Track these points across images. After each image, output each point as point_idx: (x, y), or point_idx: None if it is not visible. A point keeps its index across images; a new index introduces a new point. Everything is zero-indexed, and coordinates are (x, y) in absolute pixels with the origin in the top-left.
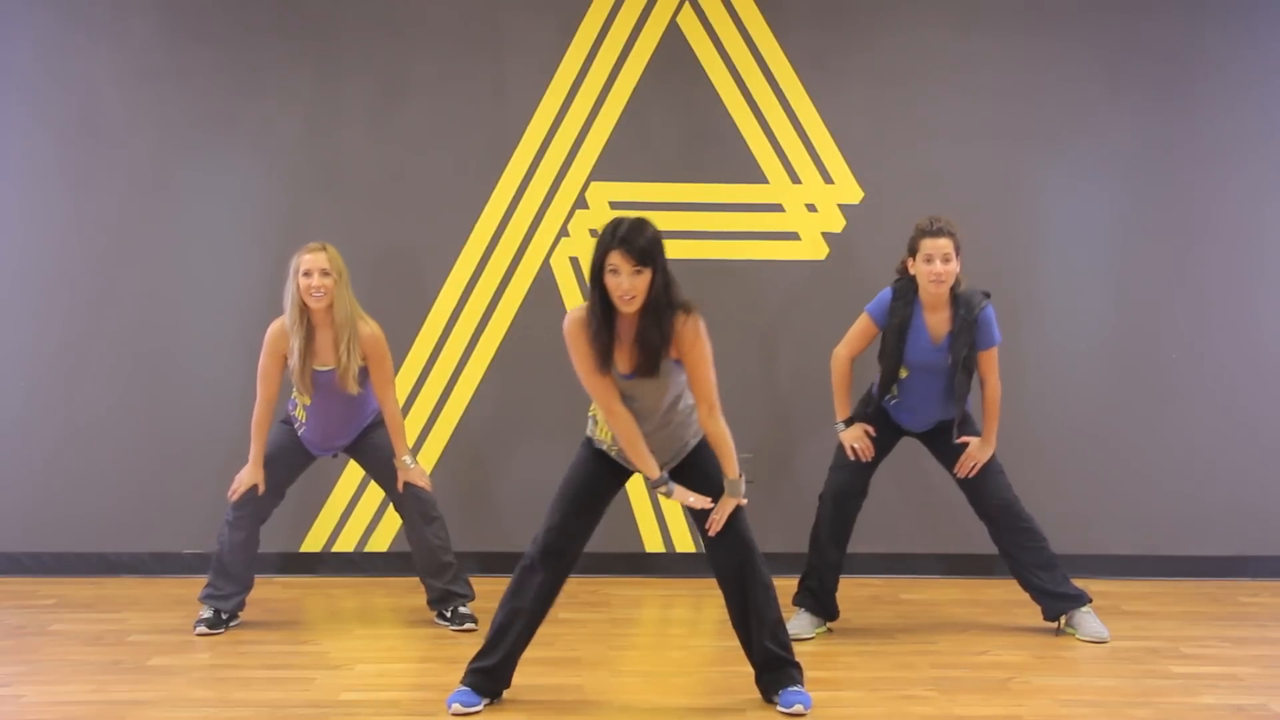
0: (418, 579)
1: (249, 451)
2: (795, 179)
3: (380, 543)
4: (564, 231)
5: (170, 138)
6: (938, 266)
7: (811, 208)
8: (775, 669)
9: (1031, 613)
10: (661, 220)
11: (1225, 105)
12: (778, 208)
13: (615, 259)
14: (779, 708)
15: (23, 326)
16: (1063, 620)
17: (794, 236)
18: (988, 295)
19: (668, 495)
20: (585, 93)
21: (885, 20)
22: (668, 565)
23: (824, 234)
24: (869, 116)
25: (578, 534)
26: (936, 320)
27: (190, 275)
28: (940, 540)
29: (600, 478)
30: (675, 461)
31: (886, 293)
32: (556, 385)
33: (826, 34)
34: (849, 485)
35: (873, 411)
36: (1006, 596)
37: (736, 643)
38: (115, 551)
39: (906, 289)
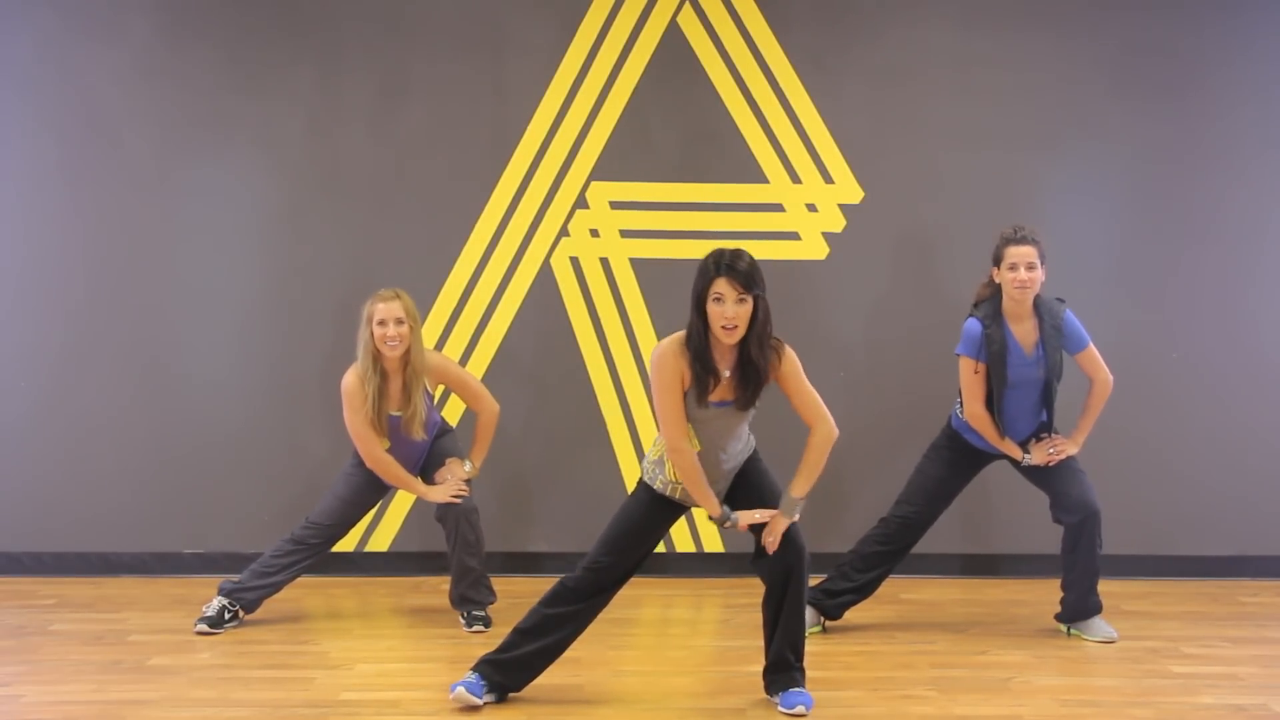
0: (418, 578)
1: (415, 489)
2: (795, 179)
3: (380, 542)
4: (564, 231)
5: (171, 137)
6: (1022, 274)
7: (812, 208)
8: (782, 670)
9: (1032, 613)
10: (661, 220)
11: (1227, 106)
12: (778, 208)
13: (721, 286)
14: (780, 708)
15: (23, 326)
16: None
17: (794, 236)
18: (1063, 301)
19: (732, 527)
20: (585, 93)
21: (886, 19)
22: (668, 565)
23: (824, 234)
24: (869, 116)
25: (626, 574)
26: (1023, 331)
27: (191, 275)
28: (941, 540)
29: (657, 523)
30: (728, 485)
31: (973, 325)
32: (557, 385)
33: (827, 33)
34: (918, 518)
35: (952, 445)
36: (1006, 596)
37: (737, 643)
38: (116, 551)
39: (993, 311)
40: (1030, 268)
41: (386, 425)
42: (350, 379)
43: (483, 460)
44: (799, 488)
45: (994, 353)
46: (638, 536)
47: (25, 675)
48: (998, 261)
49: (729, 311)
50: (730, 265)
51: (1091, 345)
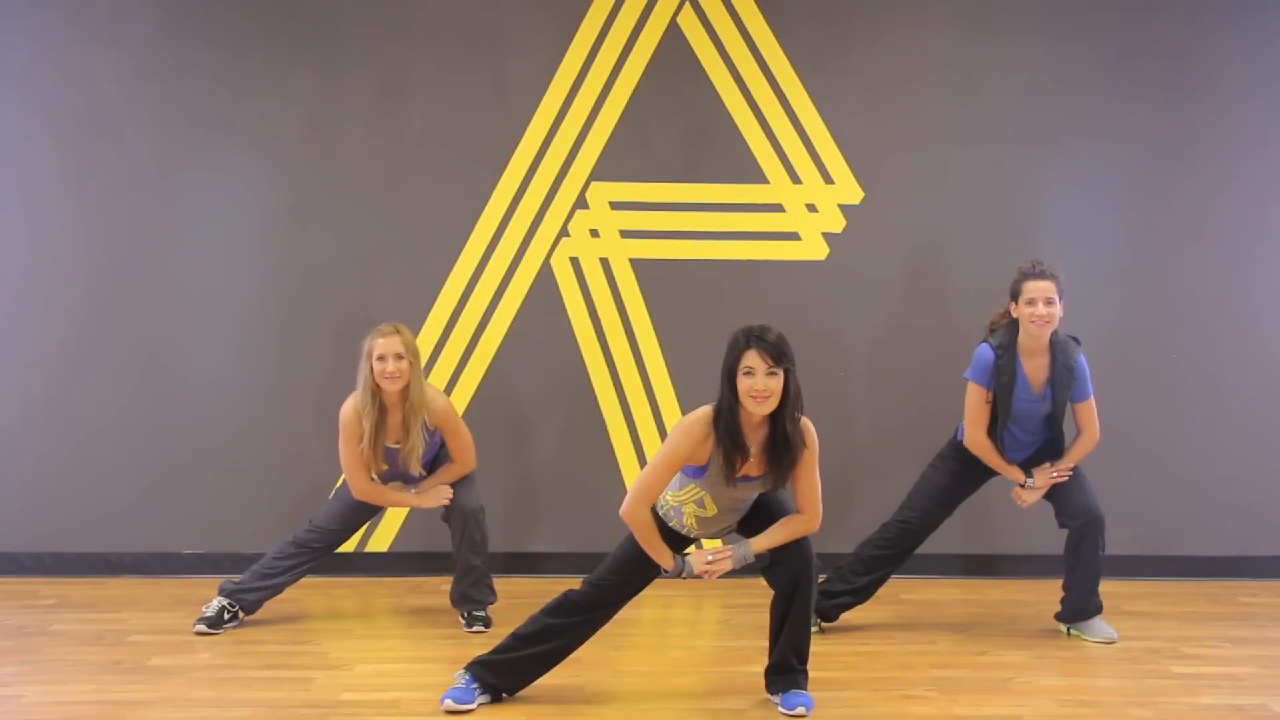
0: (418, 579)
1: (408, 502)
2: (795, 179)
3: (380, 543)
4: (564, 231)
5: (171, 137)
6: (1040, 309)
7: (811, 208)
8: (785, 673)
9: (1033, 613)
10: (661, 220)
11: (1227, 106)
12: (778, 208)
13: (751, 358)
14: (780, 708)
15: (24, 327)
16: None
17: (794, 236)
18: (1078, 341)
19: (688, 576)
20: (585, 93)
21: (886, 20)
22: None
23: (824, 234)
24: (869, 116)
25: (632, 593)
26: (1034, 367)
27: (191, 275)
28: (941, 540)
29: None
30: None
31: (985, 352)
32: (557, 385)
33: (827, 34)
34: (920, 524)
35: (958, 455)
36: (1006, 596)
37: (737, 643)
38: (116, 551)
39: (1007, 342)
40: (1049, 303)
41: (383, 454)
42: (348, 411)
43: (425, 490)
44: (759, 544)
45: (1002, 384)
46: (647, 561)
47: (25, 675)
48: (1015, 296)
49: (760, 384)
50: (760, 337)
51: (1092, 399)
